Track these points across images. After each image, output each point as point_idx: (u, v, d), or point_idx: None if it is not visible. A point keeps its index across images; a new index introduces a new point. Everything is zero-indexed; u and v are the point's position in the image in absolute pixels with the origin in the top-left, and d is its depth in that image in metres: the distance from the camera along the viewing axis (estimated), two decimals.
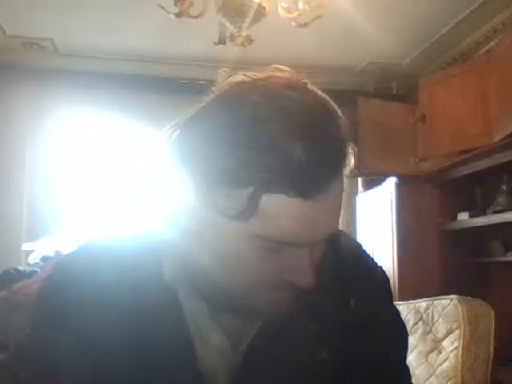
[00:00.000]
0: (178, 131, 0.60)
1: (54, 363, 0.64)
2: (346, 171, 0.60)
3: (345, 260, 0.73)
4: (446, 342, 2.09)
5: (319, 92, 0.60)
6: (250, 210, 0.54)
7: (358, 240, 0.84)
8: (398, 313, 0.79)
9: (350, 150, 0.60)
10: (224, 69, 0.64)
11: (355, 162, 0.61)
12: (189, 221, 0.60)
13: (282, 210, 0.55)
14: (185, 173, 0.58)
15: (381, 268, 0.79)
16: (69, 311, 0.64)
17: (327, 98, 0.60)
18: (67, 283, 0.66)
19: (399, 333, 0.79)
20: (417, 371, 2.12)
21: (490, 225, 3.08)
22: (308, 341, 0.67)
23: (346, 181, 0.61)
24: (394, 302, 0.80)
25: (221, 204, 0.56)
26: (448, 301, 2.13)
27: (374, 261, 0.79)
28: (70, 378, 0.63)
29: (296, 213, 0.55)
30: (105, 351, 0.62)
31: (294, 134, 0.54)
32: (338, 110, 0.60)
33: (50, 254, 2.70)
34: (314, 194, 0.54)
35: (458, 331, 2.04)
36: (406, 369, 0.78)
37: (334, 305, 0.69)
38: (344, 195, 0.61)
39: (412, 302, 2.32)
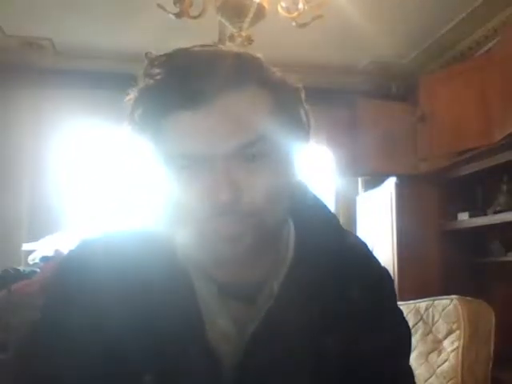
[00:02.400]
0: None
1: (65, 339, 0.65)
2: (260, 90, 0.64)
3: (350, 256, 0.74)
4: (446, 343, 2.09)
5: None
6: (162, 136, 0.63)
7: None
8: (401, 313, 0.79)
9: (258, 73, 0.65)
10: None
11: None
12: (165, 194, 0.66)
13: (177, 125, 0.62)
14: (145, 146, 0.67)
15: (386, 269, 0.79)
16: (84, 289, 0.65)
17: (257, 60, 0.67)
18: (84, 263, 0.68)
19: (402, 333, 0.79)
20: (417, 371, 2.12)
21: (490, 225, 3.08)
22: (311, 327, 0.68)
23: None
24: None
25: (152, 146, 0.66)
26: (448, 301, 2.13)
27: (379, 262, 0.79)
28: (82, 353, 0.64)
29: (188, 124, 0.61)
30: (117, 329, 0.64)
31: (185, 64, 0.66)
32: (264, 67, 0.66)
33: (50, 254, 2.70)
34: (198, 105, 0.60)
35: (458, 331, 2.04)
36: (409, 369, 0.79)
37: (336, 296, 0.70)
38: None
39: (412, 302, 2.32)
